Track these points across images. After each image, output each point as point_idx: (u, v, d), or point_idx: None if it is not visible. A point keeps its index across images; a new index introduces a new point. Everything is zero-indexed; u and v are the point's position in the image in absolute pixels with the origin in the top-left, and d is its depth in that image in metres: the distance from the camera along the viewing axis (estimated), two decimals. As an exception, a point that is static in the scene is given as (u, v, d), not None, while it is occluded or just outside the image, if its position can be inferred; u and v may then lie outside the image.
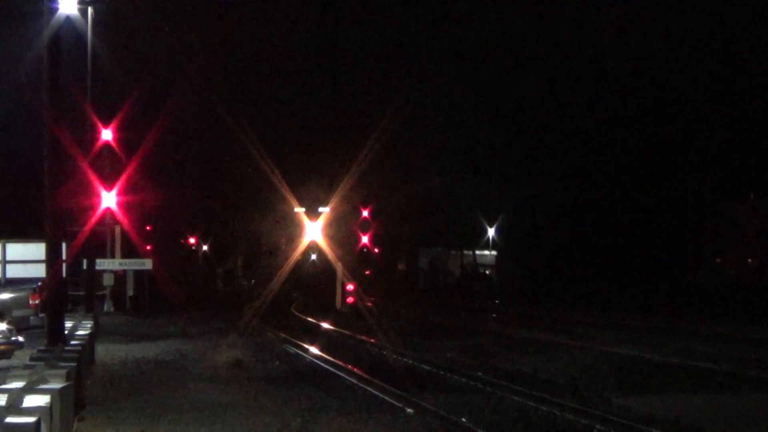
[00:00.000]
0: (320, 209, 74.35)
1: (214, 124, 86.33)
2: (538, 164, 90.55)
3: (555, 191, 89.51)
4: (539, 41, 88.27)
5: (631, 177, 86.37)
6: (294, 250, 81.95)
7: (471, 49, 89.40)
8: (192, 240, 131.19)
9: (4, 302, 39.13)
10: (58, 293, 24.22)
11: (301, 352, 35.09)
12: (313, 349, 35.51)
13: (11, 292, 40.19)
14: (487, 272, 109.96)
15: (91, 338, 27.97)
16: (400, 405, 21.92)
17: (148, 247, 65.24)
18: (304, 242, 76.69)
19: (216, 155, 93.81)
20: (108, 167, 52.49)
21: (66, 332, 24.56)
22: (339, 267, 67.42)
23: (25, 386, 13.55)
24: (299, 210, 76.87)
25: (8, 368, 22.52)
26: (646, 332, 43.33)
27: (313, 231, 74.02)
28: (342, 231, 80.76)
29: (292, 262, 79.89)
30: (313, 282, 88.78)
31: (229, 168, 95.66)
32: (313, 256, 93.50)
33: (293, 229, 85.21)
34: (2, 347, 28.48)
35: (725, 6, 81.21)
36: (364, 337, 40.80)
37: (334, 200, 74.69)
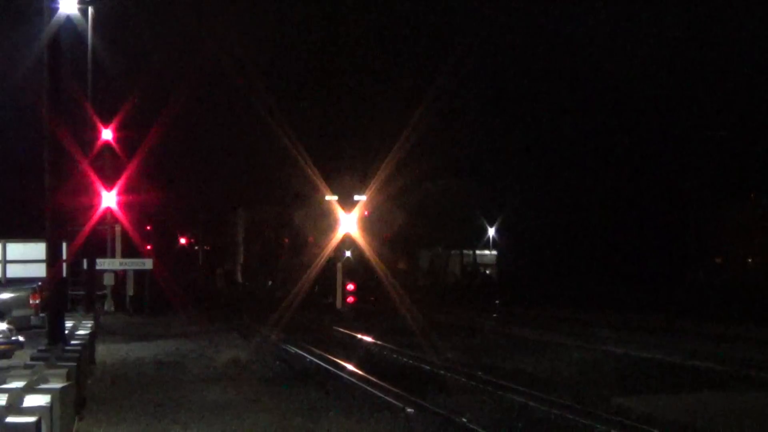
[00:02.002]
0: (356, 197, 66.98)
1: (227, 115, 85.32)
2: (539, 164, 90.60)
3: (555, 191, 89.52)
4: (538, 40, 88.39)
5: (632, 177, 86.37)
6: (325, 245, 71.14)
7: (475, 49, 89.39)
8: (192, 240, 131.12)
9: (4, 302, 39.14)
10: (59, 293, 24.22)
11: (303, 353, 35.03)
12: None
13: (11, 292, 40.21)
14: (487, 272, 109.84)
15: (92, 338, 27.99)
16: (400, 405, 21.92)
17: (148, 247, 65.23)
18: (338, 236, 67.73)
19: (228, 146, 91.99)
20: (108, 167, 52.52)
21: (66, 332, 24.57)
22: (339, 267, 66.41)
23: (25, 386, 13.56)
24: (331, 198, 68.61)
25: (8, 368, 22.47)
26: (647, 332, 43.30)
27: (348, 223, 66.20)
28: (379, 223, 73.60)
29: (322, 260, 69.82)
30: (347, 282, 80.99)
31: (245, 156, 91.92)
32: (348, 253, 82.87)
33: (323, 221, 75.19)
34: (2, 347, 28.49)
35: (725, 5, 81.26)
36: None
37: (371, 187, 67.57)
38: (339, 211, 66.95)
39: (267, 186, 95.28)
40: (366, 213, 74.69)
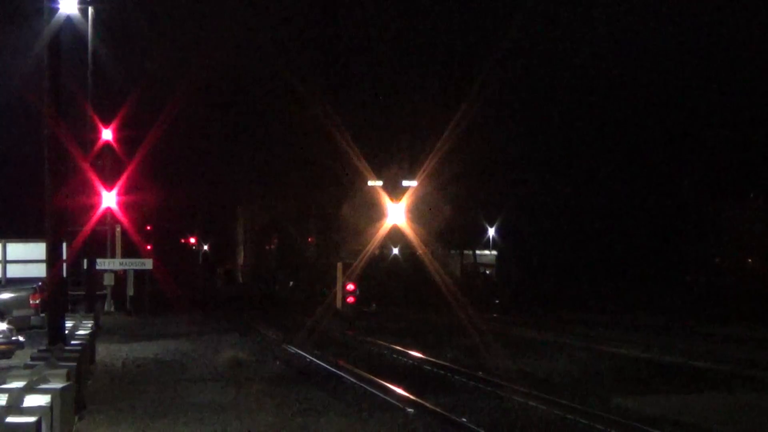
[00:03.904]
0: (405, 183, 58.24)
1: (233, 108, 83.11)
2: (539, 164, 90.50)
3: (554, 192, 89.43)
4: (536, 38, 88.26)
5: (630, 177, 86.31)
6: (366, 241, 59.99)
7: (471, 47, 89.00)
8: (192, 240, 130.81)
9: (4, 302, 39.19)
10: (59, 293, 24.24)
11: (302, 353, 35.01)
12: None
13: (12, 292, 40.27)
14: (487, 272, 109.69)
15: (92, 338, 27.99)
16: (400, 405, 21.93)
17: (149, 247, 65.24)
18: (384, 229, 58.15)
19: (235, 141, 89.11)
20: (108, 167, 52.55)
21: (66, 332, 24.58)
22: (339, 266, 65.08)
23: (25, 386, 13.57)
24: (375, 184, 59.26)
25: (9, 368, 22.54)
26: (646, 332, 43.33)
27: (396, 213, 56.31)
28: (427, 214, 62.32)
29: (363, 259, 58.66)
30: (396, 286, 66.03)
31: (257, 148, 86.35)
32: (395, 250, 69.40)
33: (365, 211, 64.39)
34: (3, 347, 28.52)
35: (724, 3, 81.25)
36: None
37: (422, 172, 57.58)
38: (383, 200, 57.40)
39: (283, 179, 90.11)
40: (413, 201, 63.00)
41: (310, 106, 61.19)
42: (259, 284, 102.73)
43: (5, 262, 43.76)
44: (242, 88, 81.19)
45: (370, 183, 59.89)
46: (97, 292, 50.82)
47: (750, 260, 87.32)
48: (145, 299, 60.55)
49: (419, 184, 59.82)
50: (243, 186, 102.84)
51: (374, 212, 60.93)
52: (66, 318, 25.76)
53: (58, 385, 14.22)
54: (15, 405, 12.30)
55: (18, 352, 28.61)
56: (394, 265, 67.87)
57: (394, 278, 64.94)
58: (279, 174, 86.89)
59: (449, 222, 74.02)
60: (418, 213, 61.87)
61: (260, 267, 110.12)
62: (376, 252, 62.76)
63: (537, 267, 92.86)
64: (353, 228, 69.35)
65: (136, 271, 57.88)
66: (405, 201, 57.06)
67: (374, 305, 61.36)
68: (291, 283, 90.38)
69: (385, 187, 58.79)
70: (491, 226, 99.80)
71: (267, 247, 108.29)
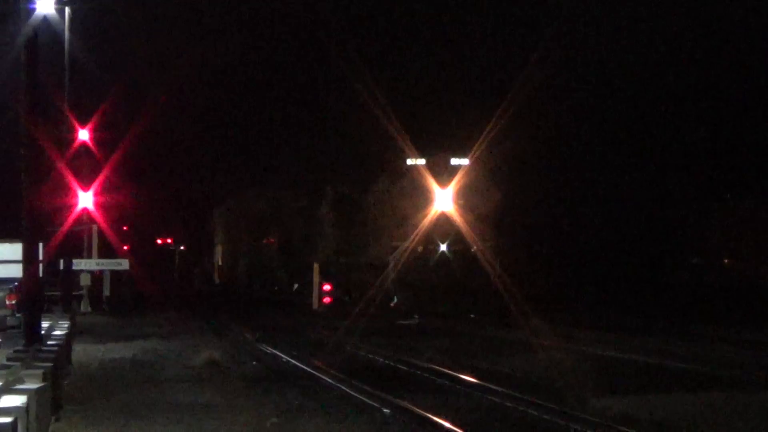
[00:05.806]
0: (453, 161, 49.89)
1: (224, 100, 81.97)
2: (530, 164, 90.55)
3: (534, 192, 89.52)
4: (534, 38, 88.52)
5: (615, 177, 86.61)
6: (405, 236, 51.42)
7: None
8: (169, 240, 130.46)
9: (-20, 303, 38.95)
10: (35, 293, 24.16)
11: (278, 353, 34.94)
12: None
13: (-13, 292, 40.01)
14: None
15: (68, 338, 27.89)
16: (377, 405, 21.94)
17: (126, 247, 65.07)
18: (428, 219, 49.54)
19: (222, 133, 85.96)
20: (85, 167, 52.39)
21: (43, 332, 24.51)
22: (316, 267, 64.02)
23: (1, 386, 13.52)
24: (416, 162, 50.01)
25: (-16, 369, 22.43)
26: (626, 333, 43.44)
27: (443, 199, 47.71)
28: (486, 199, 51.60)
29: (404, 257, 50.49)
30: (446, 291, 55.23)
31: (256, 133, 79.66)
32: (443, 246, 56.35)
33: (403, 197, 54.02)
34: (-22, 348, 28.37)
35: (715, 5, 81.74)
36: None
37: (479, 146, 47.55)
38: (428, 182, 48.05)
39: (285, 159, 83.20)
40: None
41: (332, 66, 53.99)
42: (254, 286, 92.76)
43: (-19, 262, 43.50)
44: (240, 63, 78.10)
45: (410, 162, 51.40)
46: (74, 293, 50.66)
47: (726, 261, 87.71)
48: (122, 299, 60.36)
49: (472, 164, 50.44)
50: (228, 177, 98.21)
51: (415, 198, 51.56)
52: (42, 318, 25.69)
53: (34, 385, 14.18)
54: (-9, 405, 12.26)
55: (-6, 353, 28.49)
56: (442, 266, 56.60)
57: (444, 282, 54.91)
58: (280, 153, 77.50)
59: (499, 209, 61.75)
60: (469, 198, 52.52)
61: (256, 266, 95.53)
62: (419, 249, 54.54)
63: (516, 267, 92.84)
64: (387, 219, 58.90)
65: (112, 271, 57.75)
66: (454, 184, 48.19)
67: (417, 316, 53.09)
68: (296, 285, 77.63)
69: (428, 167, 50.21)
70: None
71: (264, 243, 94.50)
